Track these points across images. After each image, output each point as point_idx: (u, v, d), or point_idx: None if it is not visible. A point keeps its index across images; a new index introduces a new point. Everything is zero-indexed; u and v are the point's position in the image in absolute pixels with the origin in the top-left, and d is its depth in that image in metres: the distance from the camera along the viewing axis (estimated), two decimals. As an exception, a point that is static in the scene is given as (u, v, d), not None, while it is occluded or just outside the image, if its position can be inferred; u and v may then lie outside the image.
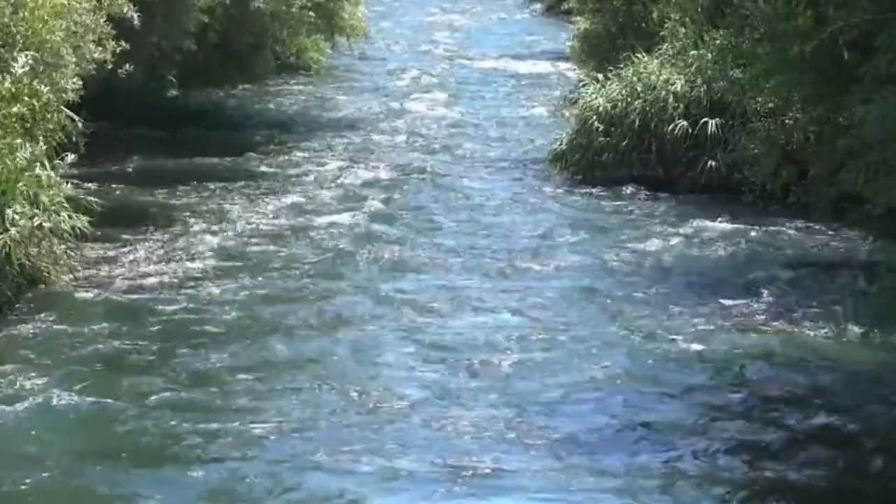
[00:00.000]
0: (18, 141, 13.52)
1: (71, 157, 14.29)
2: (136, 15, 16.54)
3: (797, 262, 15.84)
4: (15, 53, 13.97)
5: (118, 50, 15.67)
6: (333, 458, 10.46)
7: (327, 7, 24.06)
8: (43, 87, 13.91)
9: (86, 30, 15.01)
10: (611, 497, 10.07)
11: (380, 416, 11.33)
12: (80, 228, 14.04)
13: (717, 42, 18.07)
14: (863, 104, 10.36)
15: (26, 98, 13.70)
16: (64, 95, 14.38)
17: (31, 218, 13.26)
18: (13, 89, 13.64)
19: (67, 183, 14.24)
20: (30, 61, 13.79)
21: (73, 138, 14.58)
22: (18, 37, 14.11)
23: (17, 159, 13.35)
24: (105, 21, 15.59)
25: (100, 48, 15.35)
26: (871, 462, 10.59)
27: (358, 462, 10.40)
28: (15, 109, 13.51)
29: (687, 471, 10.43)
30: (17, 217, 13.13)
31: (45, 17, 14.29)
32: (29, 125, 13.86)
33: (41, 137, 13.96)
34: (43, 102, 13.88)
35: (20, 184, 13.32)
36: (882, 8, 10.56)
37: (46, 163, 13.91)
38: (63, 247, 14.44)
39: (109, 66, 15.75)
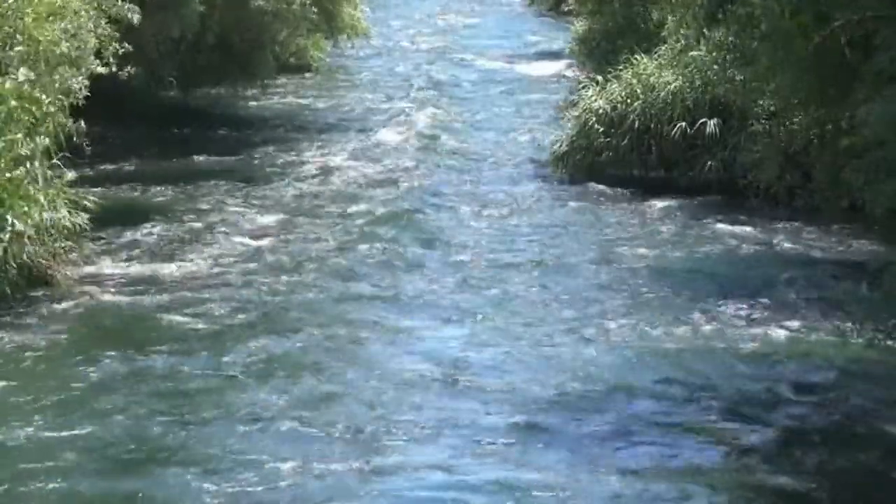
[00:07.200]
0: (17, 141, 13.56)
1: (70, 176, 14.45)
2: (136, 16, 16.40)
3: (799, 264, 15.84)
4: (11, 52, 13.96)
5: (121, 52, 15.54)
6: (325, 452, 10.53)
7: (327, 7, 24.07)
8: (44, 94, 13.89)
9: (86, 31, 14.92)
10: (606, 496, 10.06)
11: (377, 415, 11.36)
12: (79, 225, 14.15)
13: (718, 40, 18.00)
14: (864, 104, 10.33)
15: (26, 105, 13.68)
16: (67, 97, 14.38)
17: (27, 232, 13.38)
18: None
19: (67, 192, 14.33)
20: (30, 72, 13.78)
21: (74, 138, 14.59)
22: (13, 35, 14.06)
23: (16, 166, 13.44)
24: (106, 23, 15.50)
25: (99, 60, 15.23)
26: (871, 462, 10.60)
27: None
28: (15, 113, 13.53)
29: (685, 470, 10.44)
30: (16, 221, 13.21)
31: (40, 18, 14.25)
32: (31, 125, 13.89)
33: (39, 138, 13.98)
34: (44, 111, 13.87)
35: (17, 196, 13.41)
36: (883, 5, 10.55)
37: (45, 161, 13.98)
38: (63, 244, 14.47)
39: (112, 70, 15.64)
